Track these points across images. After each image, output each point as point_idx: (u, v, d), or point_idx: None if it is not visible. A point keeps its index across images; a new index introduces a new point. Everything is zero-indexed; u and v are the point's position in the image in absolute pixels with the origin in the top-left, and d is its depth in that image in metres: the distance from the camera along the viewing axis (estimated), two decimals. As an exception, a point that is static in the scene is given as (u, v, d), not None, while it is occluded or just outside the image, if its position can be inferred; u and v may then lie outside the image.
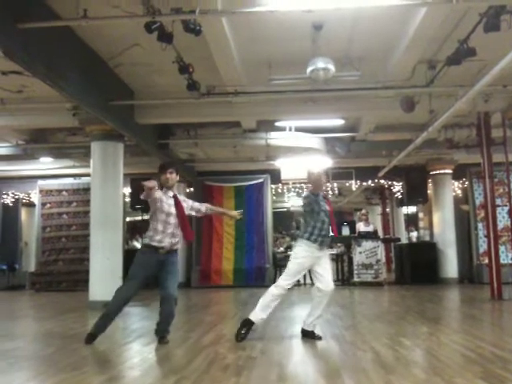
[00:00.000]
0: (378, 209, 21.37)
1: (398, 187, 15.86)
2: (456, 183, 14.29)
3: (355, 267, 12.31)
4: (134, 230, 16.11)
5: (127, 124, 8.99)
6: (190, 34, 5.61)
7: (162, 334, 5.13)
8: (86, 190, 11.87)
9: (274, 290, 5.26)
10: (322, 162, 11.25)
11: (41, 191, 13.57)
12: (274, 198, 16.53)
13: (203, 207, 5.49)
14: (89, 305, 8.49)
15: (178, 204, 5.10)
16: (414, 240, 16.03)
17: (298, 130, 10.76)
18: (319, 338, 5.18)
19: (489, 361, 4.09)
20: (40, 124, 10.32)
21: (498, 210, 9.75)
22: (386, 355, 4.39)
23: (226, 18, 6.03)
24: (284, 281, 5.27)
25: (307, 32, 6.73)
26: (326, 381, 3.64)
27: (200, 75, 7.43)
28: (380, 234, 15.31)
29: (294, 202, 19.78)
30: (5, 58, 5.76)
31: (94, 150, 9.03)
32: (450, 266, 13.09)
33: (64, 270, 12.85)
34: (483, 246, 12.12)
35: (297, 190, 16.26)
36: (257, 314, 5.21)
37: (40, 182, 13.66)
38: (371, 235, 12.68)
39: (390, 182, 15.54)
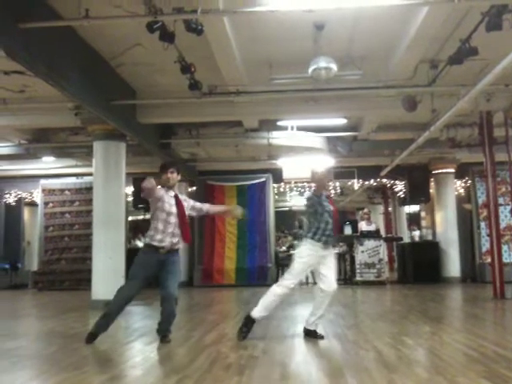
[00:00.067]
0: (381, 208, 21.34)
1: (400, 186, 15.83)
2: (458, 182, 14.26)
3: (357, 266, 12.31)
4: (136, 229, 16.12)
5: (129, 123, 9.00)
6: (191, 33, 5.61)
7: (163, 333, 5.13)
8: (89, 189, 11.88)
9: (277, 290, 5.24)
10: (324, 161, 11.24)
11: (43, 190, 13.61)
12: (276, 197, 16.52)
13: (204, 207, 5.50)
14: (91, 304, 8.49)
15: (178, 203, 5.11)
16: (417, 239, 16.00)
17: (299, 129, 10.75)
18: (321, 338, 5.17)
19: (492, 360, 4.08)
20: (42, 124, 10.34)
21: (501, 208, 9.76)
22: (388, 354, 4.39)
23: (227, 18, 6.03)
24: (287, 280, 5.26)
25: (308, 32, 6.73)
26: (329, 380, 3.64)
27: (202, 75, 7.43)
28: (382, 233, 15.30)
29: (295, 202, 19.76)
30: (7, 58, 5.75)
31: (96, 150, 9.04)
32: (453, 265, 13.08)
33: (66, 269, 12.89)
34: (486, 245, 12.09)
35: (299, 189, 16.25)
36: (258, 312, 5.21)
37: (42, 182, 13.70)
38: (373, 234, 12.67)
39: (392, 181, 15.52)
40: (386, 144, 12.18)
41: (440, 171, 13.45)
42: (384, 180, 15.09)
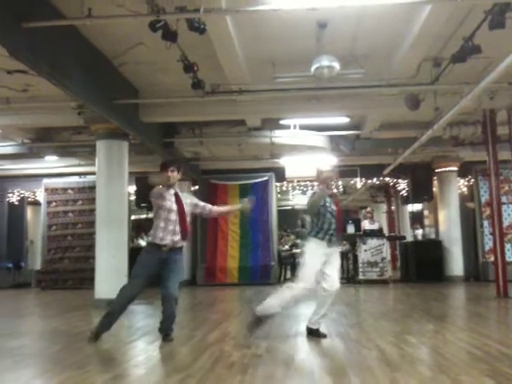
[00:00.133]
0: (383, 207, 21.32)
1: (403, 185, 15.82)
2: (461, 181, 14.25)
3: (360, 265, 12.30)
4: (139, 228, 16.13)
5: (132, 122, 9.01)
6: (194, 32, 5.60)
7: (165, 331, 5.14)
8: (92, 188, 11.91)
9: (293, 292, 5.15)
10: (327, 160, 11.23)
11: (46, 190, 13.64)
12: (279, 195, 16.51)
13: (208, 206, 5.49)
14: (94, 303, 8.50)
15: (178, 201, 5.13)
16: (420, 238, 15.98)
17: (302, 128, 10.75)
18: (324, 336, 5.17)
19: (495, 358, 4.08)
20: (45, 123, 10.36)
21: (504, 207, 9.76)
22: (391, 353, 4.38)
23: (230, 17, 6.04)
24: (304, 283, 5.15)
25: (311, 30, 6.72)
26: (332, 379, 3.64)
27: (204, 74, 7.43)
28: (385, 231, 15.27)
29: (298, 200, 19.76)
30: (10, 57, 5.78)
31: (99, 149, 9.06)
32: (456, 264, 13.05)
33: (70, 268, 12.93)
34: (489, 244, 12.06)
35: (301, 187, 16.25)
36: (274, 307, 5.15)
37: (45, 181, 13.73)
38: (376, 233, 12.65)
39: (395, 180, 15.51)
40: (389, 142, 12.17)
41: (443, 170, 13.43)
42: (387, 179, 15.07)
